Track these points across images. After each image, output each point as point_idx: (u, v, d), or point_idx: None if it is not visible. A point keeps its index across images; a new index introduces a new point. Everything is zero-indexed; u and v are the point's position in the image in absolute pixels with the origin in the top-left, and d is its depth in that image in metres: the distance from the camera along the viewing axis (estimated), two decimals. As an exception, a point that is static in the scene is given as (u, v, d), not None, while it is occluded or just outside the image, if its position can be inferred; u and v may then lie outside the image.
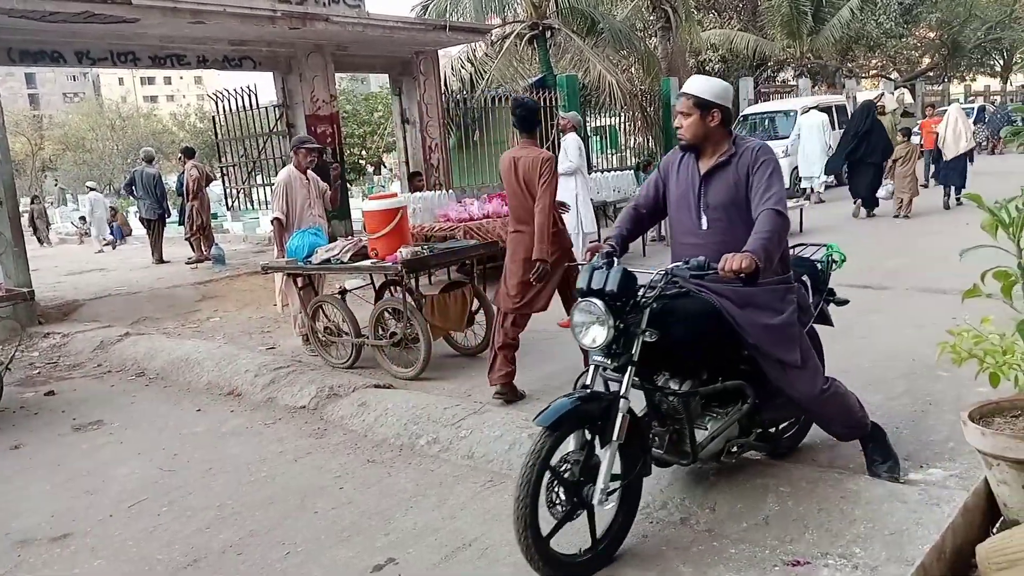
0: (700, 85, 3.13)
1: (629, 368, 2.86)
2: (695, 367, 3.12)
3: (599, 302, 2.82)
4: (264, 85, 11.80)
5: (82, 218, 20.64)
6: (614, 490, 2.87)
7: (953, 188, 12.42)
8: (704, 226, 3.14)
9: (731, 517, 3.12)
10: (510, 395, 4.79)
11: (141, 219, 14.04)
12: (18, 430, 5.21)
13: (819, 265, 3.60)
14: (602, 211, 11.49)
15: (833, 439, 3.82)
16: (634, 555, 2.98)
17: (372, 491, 3.82)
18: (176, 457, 4.51)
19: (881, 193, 12.33)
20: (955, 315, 3.17)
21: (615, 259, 3.10)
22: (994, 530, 2.63)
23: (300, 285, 6.37)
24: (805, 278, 3.46)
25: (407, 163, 12.85)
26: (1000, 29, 30.91)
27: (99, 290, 9.71)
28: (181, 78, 72.03)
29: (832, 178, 15.57)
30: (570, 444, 2.87)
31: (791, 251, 3.64)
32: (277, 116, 11.37)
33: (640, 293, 2.94)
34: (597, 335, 2.84)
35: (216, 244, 11.88)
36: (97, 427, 5.17)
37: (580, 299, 2.92)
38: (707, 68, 25.78)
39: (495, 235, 7.89)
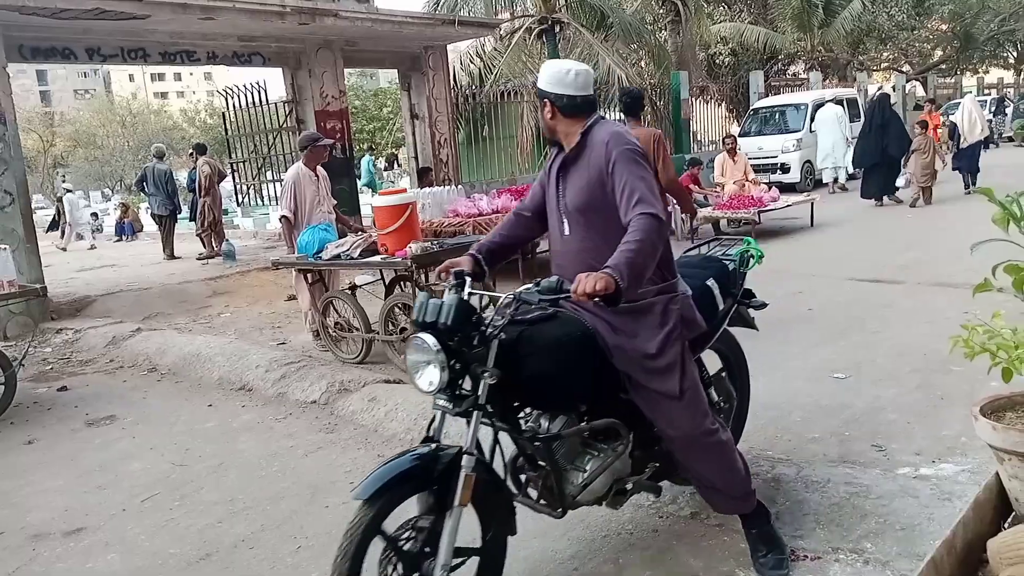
0: (541, 74, 2.70)
1: (475, 414, 2.39)
2: (567, 401, 2.64)
3: (430, 338, 2.34)
4: (273, 81, 11.83)
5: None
6: (461, 563, 2.42)
7: (969, 175, 12.88)
8: (566, 231, 2.70)
9: (741, 512, 3.11)
10: None
11: (152, 215, 14.13)
12: (32, 425, 5.25)
13: (731, 265, 3.15)
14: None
15: (846, 431, 3.83)
16: (644, 550, 2.97)
17: (382, 486, 3.83)
18: (188, 452, 4.53)
19: (899, 182, 12.53)
20: (967, 310, 3.15)
21: (468, 279, 2.62)
22: (1005, 525, 2.62)
23: (311, 281, 6.39)
24: (711, 282, 3.00)
25: (416, 158, 12.86)
26: (1014, 21, 30.59)
27: (111, 286, 9.75)
28: (191, 74, 72.41)
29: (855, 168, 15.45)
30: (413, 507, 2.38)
31: (706, 247, 3.39)
32: (287, 112, 11.41)
33: (487, 322, 2.44)
34: (433, 377, 2.36)
35: (227, 240, 11.94)
36: (110, 422, 5.21)
37: (413, 334, 2.45)
38: (717, 61, 25.72)
39: (504, 230, 7.90)
